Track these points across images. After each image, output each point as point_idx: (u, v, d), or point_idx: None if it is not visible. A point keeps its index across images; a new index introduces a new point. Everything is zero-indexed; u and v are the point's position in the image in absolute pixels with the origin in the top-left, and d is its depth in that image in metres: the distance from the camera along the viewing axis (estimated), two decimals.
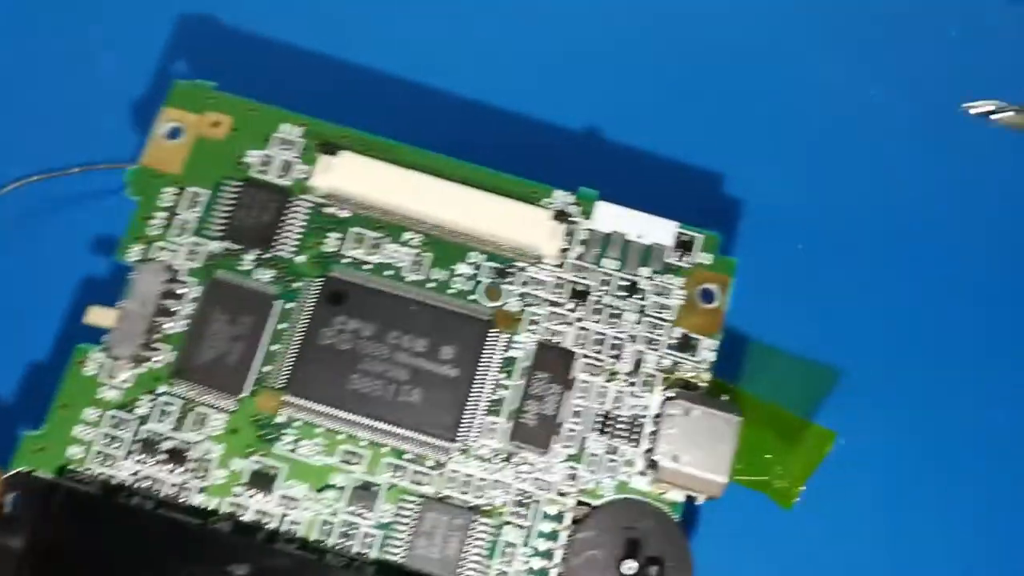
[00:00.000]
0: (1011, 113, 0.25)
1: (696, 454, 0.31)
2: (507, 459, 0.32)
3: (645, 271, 0.33)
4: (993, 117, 0.25)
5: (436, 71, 0.39)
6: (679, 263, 0.34)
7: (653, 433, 0.31)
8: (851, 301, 0.36)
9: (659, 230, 0.34)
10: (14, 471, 0.31)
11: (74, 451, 0.32)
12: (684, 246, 0.34)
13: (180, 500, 0.31)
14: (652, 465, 0.31)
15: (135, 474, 0.32)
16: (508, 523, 0.31)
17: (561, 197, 0.34)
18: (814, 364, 0.35)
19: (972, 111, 0.25)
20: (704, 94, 0.39)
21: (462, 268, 0.33)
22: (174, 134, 0.35)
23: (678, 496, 0.31)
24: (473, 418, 0.32)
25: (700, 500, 0.31)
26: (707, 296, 0.33)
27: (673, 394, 0.31)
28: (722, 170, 0.38)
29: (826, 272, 0.37)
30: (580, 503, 0.31)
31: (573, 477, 0.32)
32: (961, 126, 0.38)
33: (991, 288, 0.37)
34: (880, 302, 0.36)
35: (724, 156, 0.38)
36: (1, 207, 0.36)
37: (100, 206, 0.37)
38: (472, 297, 0.33)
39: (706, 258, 0.34)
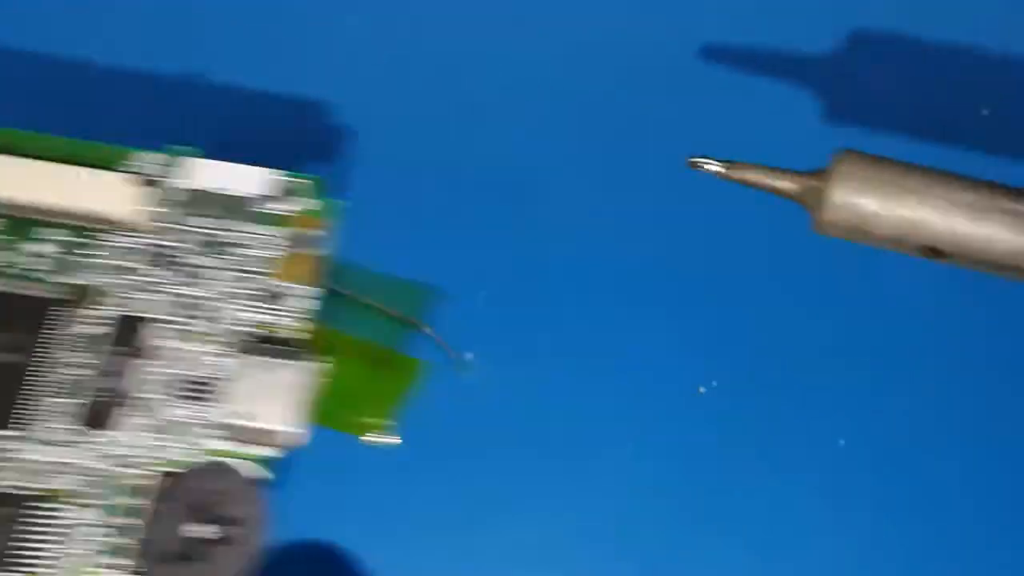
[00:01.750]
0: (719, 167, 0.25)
1: (268, 408, 0.28)
2: (73, 440, 0.29)
3: (235, 225, 0.31)
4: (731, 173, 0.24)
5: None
6: (273, 211, 0.31)
7: (231, 392, 0.29)
8: (455, 229, 0.33)
9: (250, 180, 0.31)
10: None
11: None
12: (282, 193, 0.31)
13: None
14: (227, 426, 0.28)
15: None
16: (80, 505, 0.28)
17: (143, 158, 0.32)
18: (404, 283, 0.32)
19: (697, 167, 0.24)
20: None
21: (28, 246, 0.31)
22: None
23: (264, 452, 0.28)
24: (37, 402, 0.29)
25: (282, 453, 0.28)
26: (306, 244, 0.31)
27: (245, 349, 0.29)
28: (323, 100, 0.35)
29: (434, 201, 0.34)
30: (162, 474, 0.28)
31: (149, 448, 0.29)
32: None
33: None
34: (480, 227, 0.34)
35: (322, 84, 0.35)
36: None
37: None
38: (37, 276, 0.30)
39: (306, 203, 0.31)
